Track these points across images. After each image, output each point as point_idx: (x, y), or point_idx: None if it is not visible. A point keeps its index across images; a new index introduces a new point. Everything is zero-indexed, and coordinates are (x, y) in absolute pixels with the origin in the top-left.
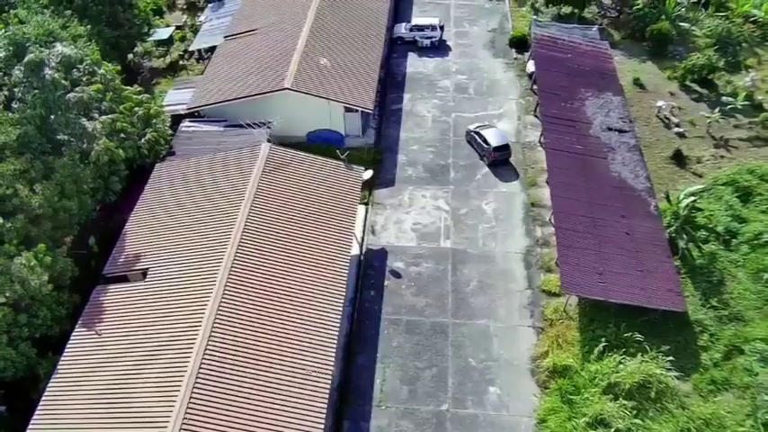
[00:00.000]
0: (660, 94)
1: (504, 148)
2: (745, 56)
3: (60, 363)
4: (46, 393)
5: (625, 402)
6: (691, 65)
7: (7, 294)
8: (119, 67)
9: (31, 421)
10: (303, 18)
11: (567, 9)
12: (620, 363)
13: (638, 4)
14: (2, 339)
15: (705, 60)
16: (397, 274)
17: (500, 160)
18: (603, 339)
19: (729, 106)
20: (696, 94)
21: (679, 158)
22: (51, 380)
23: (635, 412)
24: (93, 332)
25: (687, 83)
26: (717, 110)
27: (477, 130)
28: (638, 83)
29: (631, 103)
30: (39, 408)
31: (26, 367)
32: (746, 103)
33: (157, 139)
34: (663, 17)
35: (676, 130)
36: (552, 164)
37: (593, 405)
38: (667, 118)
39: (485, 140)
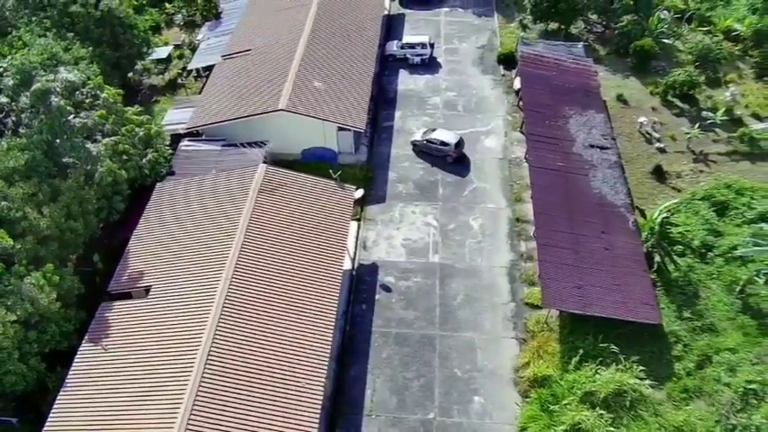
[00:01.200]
0: (642, 110)
1: (461, 144)
2: (725, 71)
3: (68, 376)
4: (55, 405)
5: (602, 412)
6: (672, 81)
7: (18, 313)
8: (120, 91)
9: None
10: (298, 38)
11: (554, 25)
12: (597, 372)
13: (623, 21)
14: (13, 355)
15: (686, 76)
16: (387, 289)
17: (458, 157)
18: (581, 350)
19: (709, 121)
20: (677, 110)
21: (659, 173)
22: (60, 392)
23: (610, 420)
24: (100, 347)
25: (669, 98)
26: (696, 125)
27: (426, 137)
28: (621, 98)
29: (614, 119)
30: (49, 419)
31: (36, 381)
32: (725, 118)
33: (158, 159)
34: (646, 33)
35: (657, 145)
36: (535, 181)
37: (570, 413)
38: (649, 133)
39: (442, 143)
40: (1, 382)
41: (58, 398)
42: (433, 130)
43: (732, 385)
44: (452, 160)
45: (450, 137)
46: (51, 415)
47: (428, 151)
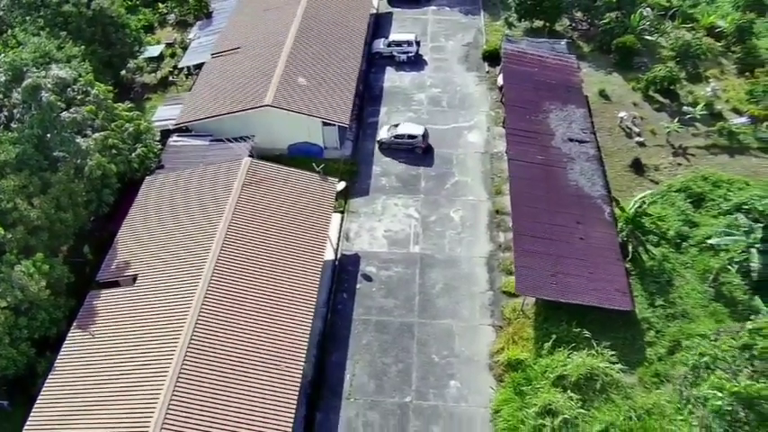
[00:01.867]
0: (624, 105)
1: (427, 135)
2: (706, 67)
3: (57, 361)
4: (44, 389)
5: (572, 394)
6: (653, 76)
7: (9, 299)
8: (111, 87)
9: (31, 414)
10: (285, 36)
11: (539, 23)
12: (569, 357)
13: (606, 18)
14: (4, 340)
15: (666, 72)
16: (368, 278)
17: (426, 148)
18: (554, 336)
19: (689, 116)
20: (658, 105)
21: (638, 166)
22: (49, 376)
23: (581, 402)
24: (87, 333)
25: (650, 93)
26: (676, 119)
27: (392, 134)
28: (603, 94)
29: (596, 114)
30: (37, 402)
31: (26, 365)
32: (705, 112)
33: (147, 153)
34: (628, 30)
35: (637, 139)
36: (513, 173)
37: (542, 396)
38: (629, 127)
39: (410, 136)
40: None
41: (47, 382)
42: (397, 125)
43: (689, 361)
44: (422, 151)
45: (416, 129)
46: (40, 398)
47: (396, 147)
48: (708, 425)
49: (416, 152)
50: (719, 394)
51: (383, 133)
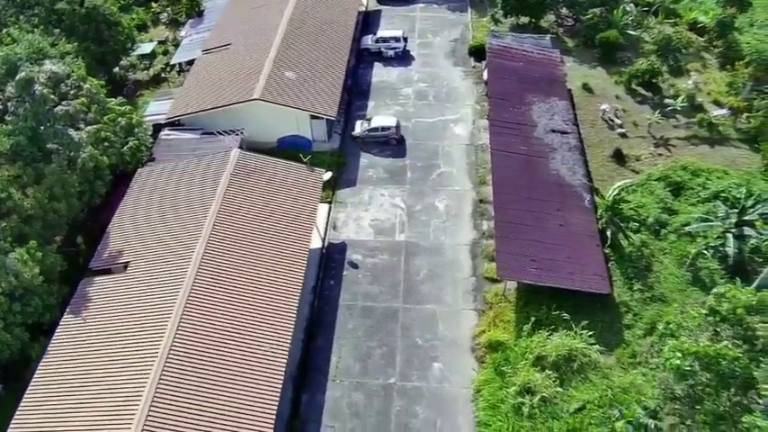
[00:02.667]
0: (607, 98)
1: (399, 125)
2: (687, 60)
3: (50, 346)
4: (36, 373)
5: (550, 372)
6: (635, 70)
7: (3, 285)
8: (103, 82)
9: (23, 398)
10: (274, 32)
11: (524, 19)
12: (548, 338)
13: (589, 14)
14: None
15: (648, 65)
16: (354, 265)
17: (399, 139)
18: (534, 318)
19: (670, 108)
20: (640, 98)
21: (619, 157)
22: (42, 361)
23: (559, 382)
24: (80, 318)
25: (632, 87)
26: (657, 111)
27: (366, 129)
28: (586, 87)
29: (579, 107)
30: (30, 386)
31: (20, 350)
32: (686, 104)
33: (139, 146)
34: (612, 26)
35: (619, 130)
36: (496, 163)
37: (521, 376)
38: (611, 119)
39: (384, 128)
40: None
41: (40, 366)
42: (369, 119)
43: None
44: (396, 142)
45: (389, 121)
46: (32, 382)
47: (371, 140)
48: (669, 386)
49: (391, 143)
50: (679, 354)
51: (358, 130)
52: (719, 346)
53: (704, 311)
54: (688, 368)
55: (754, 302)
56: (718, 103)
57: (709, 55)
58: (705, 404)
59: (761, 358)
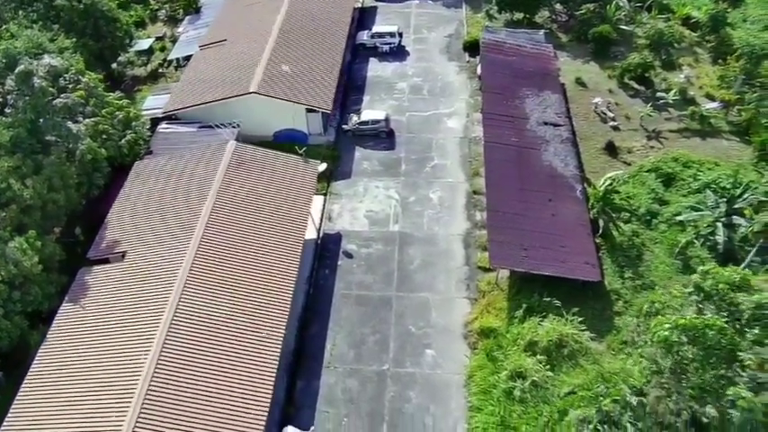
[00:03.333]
0: (600, 92)
1: (389, 118)
2: (679, 55)
3: (49, 333)
4: (36, 360)
5: (541, 358)
6: (627, 64)
7: (2, 273)
8: (101, 76)
9: (22, 385)
10: (270, 28)
11: (519, 15)
12: (539, 324)
13: (583, 9)
14: None
15: (640, 59)
16: (349, 255)
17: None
18: (526, 305)
19: (662, 101)
20: (633, 91)
21: (611, 149)
22: (41, 348)
23: (549, 367)
24: (79, 306)
25: (625, 81)
26: (649, 104)
27: (356, 122)
28: (579, 81)
29: (572, 101)
30: (29, 373)
31: (19, 338)
32: (677, 98)
33: (136, 140)
34: (605, 21)
35: (612, 123)
36: (489, 155)
37: (513, 361)
38: (604, 113)
39: (374, 121)
40: None
41: (39, 353)
42: (359, 111)
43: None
44: (386, 135)
45: (378, 114)
46: (31, 369)
47: (362, 133)
48: (655, 360)
49: (381, 136)
50: (667, 325)
51: (349, 124)
52: (706, 317)
53: (688, 290)
54: (675, 340)
55: (736, 279)
56: (710, 97)
57: (702, 50)
58: (691, 377)
59: (745, 330)
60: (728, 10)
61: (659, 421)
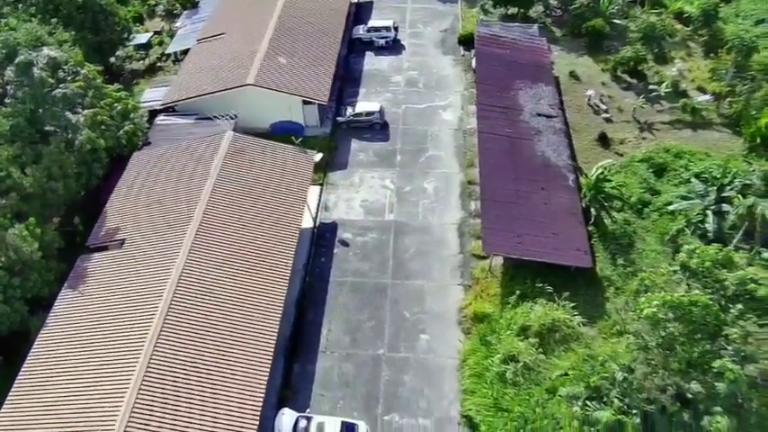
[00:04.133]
0: (593, 85)
1: (383, 110)
2: (672, 48)
3: (48, 319)
4: (35, 345)
5: (532, 340)
6: (620, 57)
7: (2, 259)
8: (100, 68)
9: (22, 369)
10: (267, 22)
11: (513, 10)
12: (531, 309)
13: (577, 4)
14: None
15: (633, 52)
16: (345, 244)
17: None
18: (519, 291)
19: (654, 93)
20: (626, 84)
21: (604, 140)
22: (40, 333)
23: (541, 350)
24: (78, 292)
25: (618, 74)
26: (641, 96)
27: (351, 115)
28: (573, 75)
29: (566, 93)
30: (28, 357)
31: (19, 323)
32: (669, 90)
33: (135, 131)
34: (598, 15)
35: (604, 115)
36: (483, 145)
37: (506, 345)
38: (597, 105)
39: (368, 113)
40: None
41: (38, 338)
42: (354, 103)
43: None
44: (380, 126)
45: (372, 106)
46: (31, 353)
47: (356, 124)
48: (642, 336)
49: (375, 128)
50: (655, 302)
51: (343, 117)
52: (692, 294)
53: (674, 269)
54: (662, 317)
55: (720, 257)
56: (701, 90)
57: (695, 44)
58: (677, 353)
59: (729, 305)
60: (720, 5)
61: (646, 397)
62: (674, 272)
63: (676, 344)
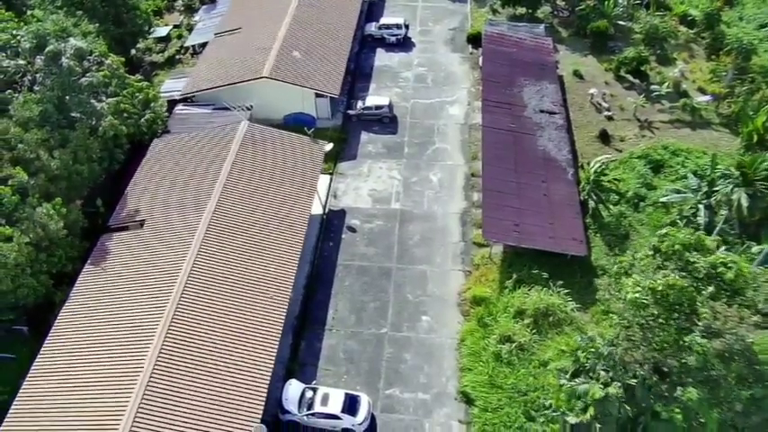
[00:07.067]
0: (596, 84)
1: (392, 105)
2: (675, 50)
3: (72, 292)
4: (59, 317)
5: (526, 322)
6: (623, 57)
7: (31, 236)
8: (123, 59)
9: (46, 340)
10: (282, 18)
11: (521, 10)
12: (527, 293)
13: (583, 6)
14: (27, 271)
15: (635, 53)
16: (352, 230)
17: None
18: (516, 276)
19: (655, 93)
20: (628, 84)
21: (604, 137)
22: (64, 307)
23: (535, 332)
24: (100, 268)
25: (621, 74)
26: (641, 95)
27: (361, 109)
28: (577, 74)
29: (569, 91)
30: (53, 329)
31: (44, 296)
32: (670, 90)
33: (155, 119)
34: (603, 16)
35: (606, 113)
36: (486, 139)
37: (502, 326)
38: (599, 103)
39: (377, 107)
40: (15, 293)
41: (62, 311)
42: (364, 97)
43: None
44: (389, 120)
45: (382, 100)
46: (55, 325)
47: (366, 117)
48: (626, 318)
49: (384, 121)
50: (637, 288)
51: (353, 110)
52: (669, 278)
53: (650, 252)
54: (644, 300)
55: (692, 240)
56: (702, 90)
57: (698, 46)
58: (656, 331)
59: (701, 287)
60: (722, 8)
61: (627, 369)
62: (651, 255)
63: (655, 324)
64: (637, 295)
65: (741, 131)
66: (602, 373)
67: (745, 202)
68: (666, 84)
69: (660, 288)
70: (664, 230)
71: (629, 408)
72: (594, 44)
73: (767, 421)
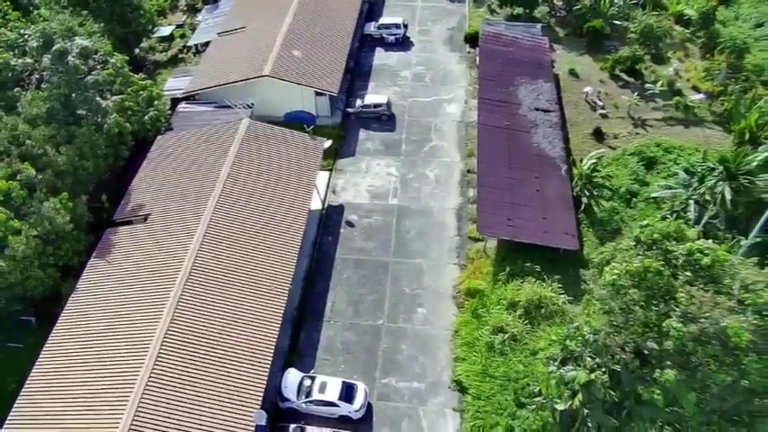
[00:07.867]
0: (591, 83)
1: (390, 103)
2: (671, 49)
3: (78, 284)
4: (65, 309)
5: (519, 313)
6: (618, 56)
7: (38, 229)
8: (127, 57)
9: (54, 328)
10: (283, 17)
11: (519, 10)
12: (521, 285)
13: (579, 6)
14: (34, 263)
15: (630, 52)
16: (351, 224)
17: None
18: (509, 269)
19: (649, 91)
20: (623, 82)
21: (598, 134)
22: (71, 298)
23: (527, 323)
24: (105, 261)
25: (616, 72)
26: (635, 93)
27: (360, 107)
28: (573, 73)
29: (565, 90)
30: (59, 319)
31: (51, 288)
32: (664, 88)
33: (158, 117)
34: (599, 16)
35: (600, 111)
36: (482, 136)
37: (495, 317)
38: (594, 101)
39: (376, 105)
40: (24, 285)
41: (68, 303)
42: (363, 95)
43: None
44: (387, 118)
45: (380, 98)
46: (62, 316)
47: (365, 115)
48: (606, 301)
49: (382, 119)
50: (615, 271)
51: (352, 108)
52: (645, 261)
53: (632, 242)
54: (622, 284)
55: (671, 230)
56: (696, 89)
57: (693, 45)
58: (636, 315)
59: (678, 274)
60: (717, 8)
61: (611, 354)
62: (633, 246)
63: (635, 308)
64: (614, 277)
65: (733, 129)
66: (589, 359)
67: (728, 196)
68: (661, 82)
69: (635, 269)
70: (645, 222)
71: (613, 393)
72: (590, 43)
73: (742, 404)
